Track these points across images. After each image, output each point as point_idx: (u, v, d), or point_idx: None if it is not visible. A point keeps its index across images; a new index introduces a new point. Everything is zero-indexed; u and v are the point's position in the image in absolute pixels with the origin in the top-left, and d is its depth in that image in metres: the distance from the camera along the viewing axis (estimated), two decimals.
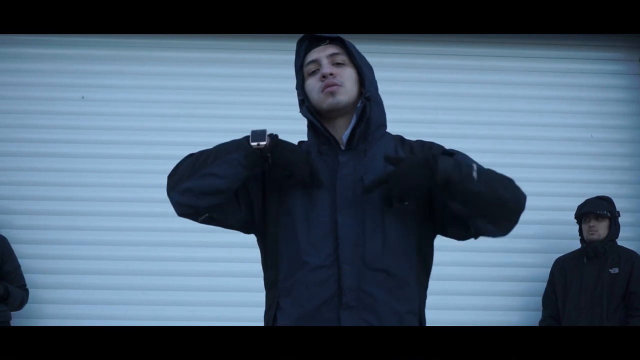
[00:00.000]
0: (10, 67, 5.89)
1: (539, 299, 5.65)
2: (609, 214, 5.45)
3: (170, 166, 5.67)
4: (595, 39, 6.09)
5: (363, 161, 2.52)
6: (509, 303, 5.89)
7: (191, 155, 2.62)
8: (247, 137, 2.49)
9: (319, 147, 2.58)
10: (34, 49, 5.90)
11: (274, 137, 2.49)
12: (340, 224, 2.45)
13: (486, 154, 5.89)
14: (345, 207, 2.46)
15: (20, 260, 5.38)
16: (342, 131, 2.56)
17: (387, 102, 2.63)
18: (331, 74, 2.52)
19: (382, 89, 2.66)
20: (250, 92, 5.92)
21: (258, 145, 2.44)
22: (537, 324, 5.61)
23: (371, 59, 2.66)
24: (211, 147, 2.57)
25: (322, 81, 2.54)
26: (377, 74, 2.68)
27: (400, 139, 2.65)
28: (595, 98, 6.16)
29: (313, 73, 2.59)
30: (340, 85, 2.53)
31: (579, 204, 5.57)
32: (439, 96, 6.02)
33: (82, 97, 5.87)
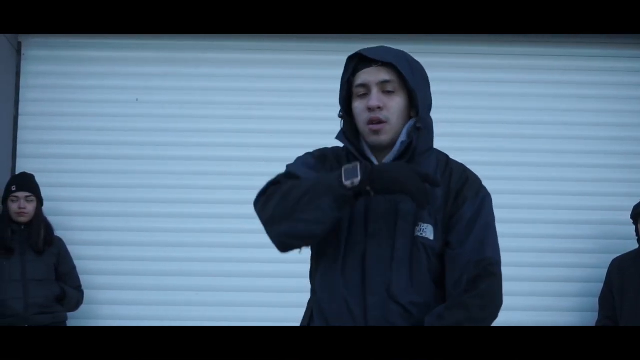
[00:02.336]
0: (65, 70, 5.94)
1: (595, 300, 5.57)
2: None
3: (223, 167, 5.74)
4: None
5: None
6: (565, 304, 5.83)
7: (276, 184, 2.54)
8: (339, 175, 2.34)
9: None
10: (89, 51, 5.95)
11: (367, 169, 2.34)
12: (369, 253, 2.45)
13: (540, 154, 5.91)
14: (376, 235, 2.46)
15: (75, 262, 5.44)
16: (384, 153, 2.54)
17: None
18: (378, 107, 2.46)
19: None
20: (298, 93, 5.91)
21: (352, 183, 2.31)
22: (593, 325, 5.53)
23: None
24: (299, 175, 2.52)
25: (368, 112, 2.47)
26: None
27: (445, 160, 2.61)
28: None
29: (362, 96, 2.50)
30: (386, 122, 2.47)
31: (635, 203, 5.48)
32: (487, 96, 5.97)
33: (137, 100, 5.91)
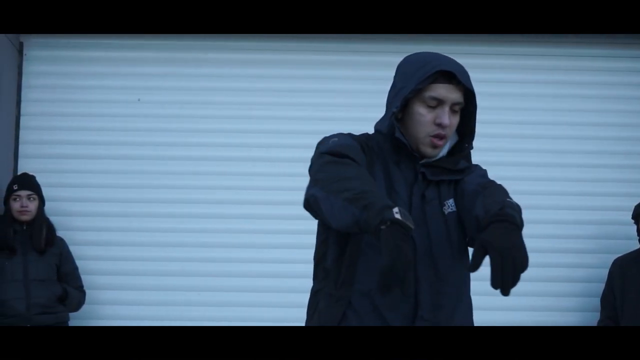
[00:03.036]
0: (67, 70, 5.95)
1: (597, 300, 5.58)
2: None
3: (223, 167, 5.74)
4: None
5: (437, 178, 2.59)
6: (566, 304, 5.84)
7: (337, 160, 2.42)
8: (388, 207, 2.14)
9: (399, 157, 2.59)
10: (90, 52, 5.95)
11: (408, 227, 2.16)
12: (416, 238, 2.47)
13: (541, 154, 5.91)
14: (419, 224, 2.48)
15: (77, 262, 5.45)
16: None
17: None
18: (447, 126, 2.52)
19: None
20: (303, 93, 5.92)
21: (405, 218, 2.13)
22: (594, 325, 5.54)
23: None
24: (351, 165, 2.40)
25: (436, 126, 2.52)
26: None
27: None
28: None
29: (432, 107, 2.52)
30: (446, 137, 2.55)
31: (636, 203, 5.48)
32: (500, 96, 5.97)
33: (139, 100, 5.92)
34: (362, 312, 2.49)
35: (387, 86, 2.63)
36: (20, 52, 5.92)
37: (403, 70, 2.59)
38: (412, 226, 2.11)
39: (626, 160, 5.97)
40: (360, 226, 2.18)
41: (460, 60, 2.56)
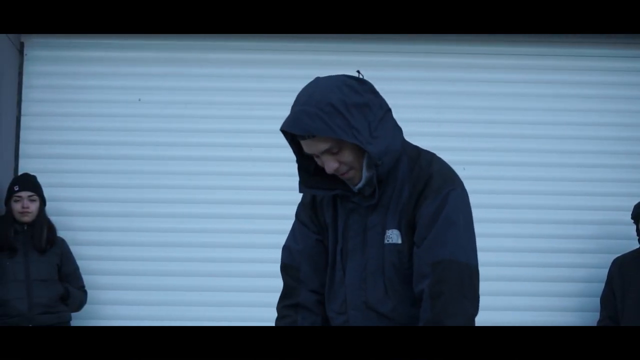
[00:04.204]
0: (67, 70, 5.95)
1: (597, 300, 5.58)
2: None
3: (224, 167, 5.76)
4: None
5: (371, 202, 2.51)
6: (566, 304, 5.84)
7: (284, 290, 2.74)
8: None
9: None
10: (91, 52, 5.95)
11: None
12: (348, 270, 2.54)
13: (541, 154, 5.91)
14: (353, 252, 2.53)
15: (78, 262, 5.45)
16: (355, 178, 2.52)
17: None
18: (336, 169, 2.44)
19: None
20: (290, 93, 5.89)
21: None
22: (594, 325, 5.54)
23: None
24: None
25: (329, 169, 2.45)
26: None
27: (416, 157, 2.54)
28: None
29: (315, 157, 2.47)
30: (351, 170, 2.46)
31: (635, 203, 5.49)
32: (499, 95, 5.97)
33: (139, 100, 5.92)
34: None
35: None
36: (21, 52, 5.92)
37: None
38: None
39: (626, 160, 5.97)
40: None
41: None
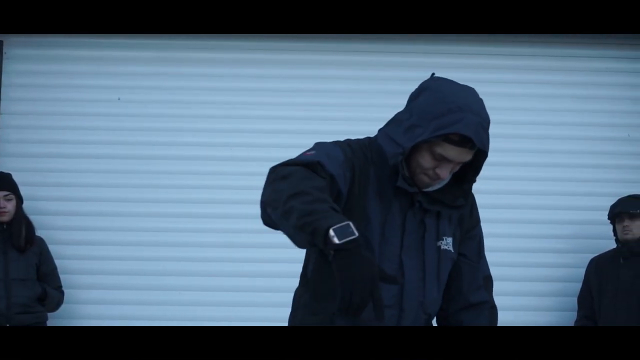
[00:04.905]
0: (48, 69, 5.93)
1: (575, 299, 5.61)
2: None
3: (208, 167, 5.71)
4: (633, 38, 6.01)
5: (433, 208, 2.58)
6: (544, 303, 5.86)
7: (298, 165, 2.33)
8: (326, 227, 2.07)
9: (396, 180, 2.50)
10: (70, 50, 5.94)
11: (355, 241, 2.07)
12: (406, 265, 2.51)
13: (523, 154, 5.94)
14: (410, 248, 2.52)
15: (56, 261, 5.43)
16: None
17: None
18: (443, 177, 2.49)
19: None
20: (290, 92, 5.92)
21: (334, 241, 2.05)
22: (572, 324, 5.57)
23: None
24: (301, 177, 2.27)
25: (433, 171, 2.46)
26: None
27: (472, 202, 2.76)
28: (633, 97, 6.10)
29: (435, 159, 2.44)
30: (441, 180, 2.51)
31: (613, 203, 5.52)
32: (481, 95, 5.99)
33: (119, 99, 5.90)
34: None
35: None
36: (1, 50, 5.88)
37: (425, 104, 2.47)
38: (353, 237, 2.03)
39: (605, 160, 6.00)
40: (322, 249, 2.12)
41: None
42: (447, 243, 2.58)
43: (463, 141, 2.38)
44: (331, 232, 2.04)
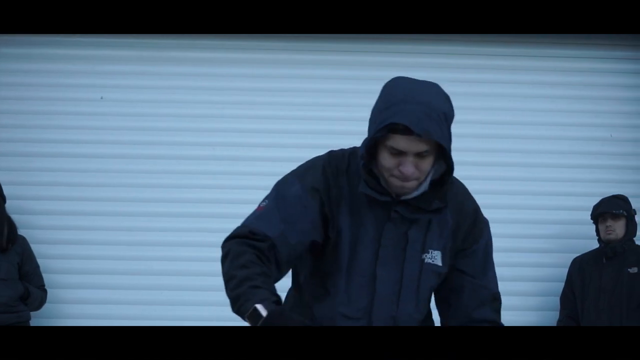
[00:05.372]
0: (29, 68, 5.91)
1: (557, 299, 5.63)
2: (625, 213, 5.43)
3: (189, 166, 5.72)
4: (615, 38, 6.04)
5: (413, 215, 2.48)
6: (527, 303, 5.88)
7: (227, 255, 2.47)
8: (243, 313, 2.27)
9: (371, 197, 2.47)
10: (53, 49, 5.92)
11: (265, 320, 2.21)
12: (379, 279, 2.48)
13: (506, 154, 5.95)
14: (386, 261, 2.48)
15: (39, 260, 5.40)
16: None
17: None
18: (412, 174, 2.38)
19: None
20: (268, 92, 5.92)
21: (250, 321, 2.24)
22: (555, 324, 5.59)
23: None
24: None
25: (399, 171, 2.37)
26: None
27: (461, 202, 2.60)
28: (615, 97, 6.12)
29: (394, 155, 2.37)
30: (418, 179, 2.41)
31: (596, 203, 5.54)
32: (462, 95, 5.93)
33: (101, 98, 5.89)
34: None
35: (380, 86, 2.62)
36: None
37: (375, 105, 2.45)
38: (262, 320, 2.17)
39: (588, 160, 6.03)
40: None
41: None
42: (432, 257, 2.51)
43: (408, 130, 2.31)
44: (246, 319, 2.22)
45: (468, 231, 2.58)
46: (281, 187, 2.50)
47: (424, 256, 2.50)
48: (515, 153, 5.99)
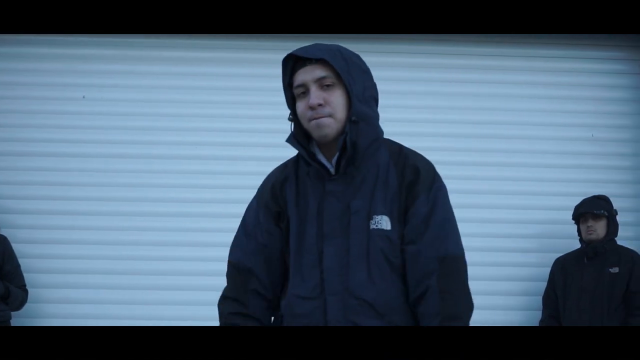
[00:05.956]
0: (10, 67, 5.89)
1: (540, 299, 5.65)
2: (606, 213, 5.45)
3: (171, 166, 5.69)
4: (597, 39, 6.07)
5: (351, 186, 2.52)
6: (510, 302, 5.88)
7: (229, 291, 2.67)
8: None
9: (308, 171, 2.57)
10: (34, 48, 5.89)
11: None
12: (326, 254, 2.48)
13: (487, 153, 5.97)
14: (331, 236, 2.49)
15: (20, 260, 5.37)
16: (332, 151, 2.54)
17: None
18: (320, 105, 2.46)
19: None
20: (251, 91, 5.91)
21: None
22: (537, 324, 5.60)
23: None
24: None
25: (311, 110, 2.47)
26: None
27: (398, 149, 2.61)
28: (596, 97, 6.15)
29: (302, 95, 2.51)
30: (329, 116, 2.47)
31: (577, 203, 5.56)
32: (439, 95, 6.01)
33: (83, 97, 5.87)
34: (285, 319, 2.55)
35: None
36: None
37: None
38: None
39: (570, 160, 6.04)
40: None
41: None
42: (377, 222, 2.48)
43: (302, 63, 2.50)
44: None
45: (408, 189, 2.52)
46: (244, 220, 2.69)
47: (369, 223, 2.48)
48: (496, 153, 6.00)
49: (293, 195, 2.57)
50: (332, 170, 2.53)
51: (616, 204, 5.54)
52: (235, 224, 2.67)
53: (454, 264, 2.52)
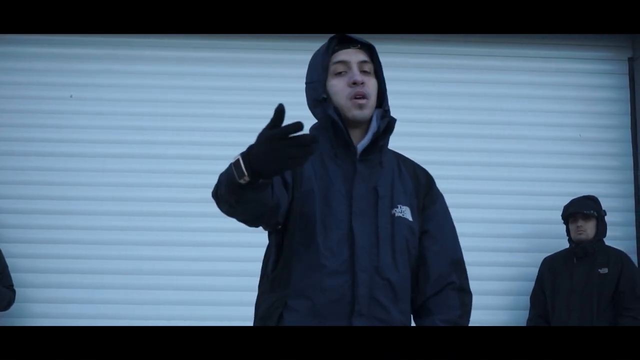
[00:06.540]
0: (6, 66, 5.89)
1: (528, 298, 5.65)
2: (595, 214, 5.46)
3: (161, 166, 5.71)
4: (585, 39, 6.10)
5: (376, 171, 2.61)
6: (498, 302, 5.88)
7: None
8: (231, 175, 2.28)
9: (336, 151, 2.61)
10: (22, 47, 5.88)
11: (247, 161, 2.23)
12: (356, 231, 2.52)
13: (476, 153, 5.97)
14: (360, 214, 2.54)
15: (7, 259, 5.36)
16: (357, 139, 2.61)
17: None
18: (362, 83, 2.57)
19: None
20: (251, 91, 5.89)
21: (244, 180, 2.23)
22: (525, 323, 5.61)
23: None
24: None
25: (351, 87, 2.57)
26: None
27: (397, 154, 2.74)
28: (584, 97, 6.17)
29: (340, 74, 2.62)
30: (368, 99, 2.58)
31: (567, 203, 5.57)
32: (431, 95, 6.02)
33: (71, 96, 5.85)
34: (300, 311, 2.50)
35: (387, 86, 2.69)
36: None
37: (309, 68, 2.70)
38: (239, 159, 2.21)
39: (557, 160, 6.06)
40: (238, 197, 2.25)
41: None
42: (402, 211, 2.58)
43: (346, 44, 2.66)
44: (235, 172, 2.22)
45: (426, 191, 2.69)
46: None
47: (393, 211, 2.58)
48: (484, 152, 6.01)
49: (311, 171, 2.57)
50: (358, 153, 2.60)
51: (604, 204, 5.56)
52: (235, 224, 2.60)
53: (464, 266, 2.73)
